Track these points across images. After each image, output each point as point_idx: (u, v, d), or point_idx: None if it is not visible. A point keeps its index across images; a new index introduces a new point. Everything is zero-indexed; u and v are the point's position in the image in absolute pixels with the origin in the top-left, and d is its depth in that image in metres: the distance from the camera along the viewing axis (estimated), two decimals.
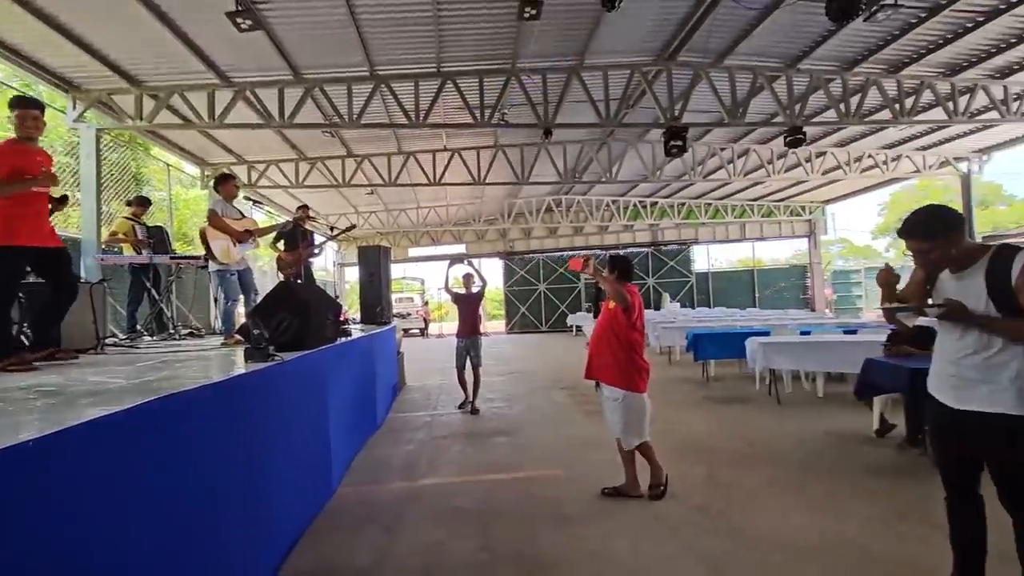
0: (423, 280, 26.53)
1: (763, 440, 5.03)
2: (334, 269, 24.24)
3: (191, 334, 6.17)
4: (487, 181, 12.70)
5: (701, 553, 2.89)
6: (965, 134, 12.22)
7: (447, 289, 6.99)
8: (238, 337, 4.57)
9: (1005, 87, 9.27)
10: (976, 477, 2.23)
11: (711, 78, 8.41)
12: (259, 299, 4.98)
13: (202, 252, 5.12)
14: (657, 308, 19.76)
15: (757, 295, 22.00)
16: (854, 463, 4.28)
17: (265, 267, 18.50)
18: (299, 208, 6.73)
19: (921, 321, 2.72)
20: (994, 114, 9.54)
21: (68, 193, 5.75)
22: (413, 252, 23.82)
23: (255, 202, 7.72)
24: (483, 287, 6.88)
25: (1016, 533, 2.10)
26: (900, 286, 2.42)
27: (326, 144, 11.20)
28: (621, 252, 21.54)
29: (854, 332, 7.64)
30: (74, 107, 7.59)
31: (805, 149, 13.02)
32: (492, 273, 23.75)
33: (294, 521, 3.17)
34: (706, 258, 23.01)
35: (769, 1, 6.79)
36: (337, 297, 8.67)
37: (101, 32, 6.44)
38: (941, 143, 13.14)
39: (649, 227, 21.71)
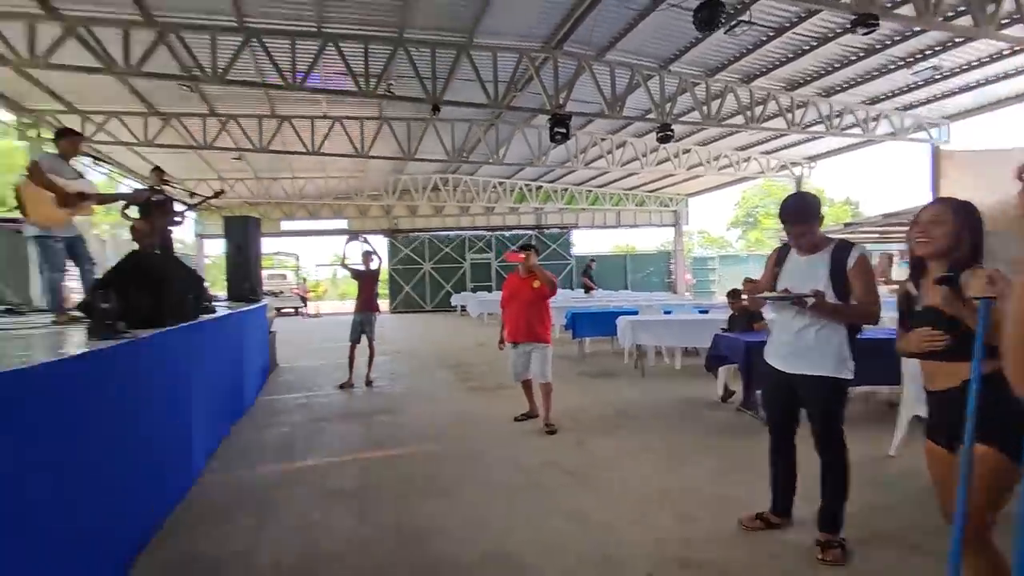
0: (297, 256, 24.83)
1: (627, 409, 5.53)
2: (193, 241, 21.84)
3: (9, 311, 5.25)
4: (371, 154, 12.21)
5: (569, 509, 3.14)
6: (799, 143, 14.14)
7: (344, 265, 7.32)
8: (73, 314, 4.00)
9: (830, 105, 10.88)
10: (794, 430, 2.75)
11: (594, 70, 8.83)
12: (96, 270, 4.41)
13: (18, 214, 4.36)
14: None
15: (629, 278, 23.77)
16: (701, 424, 4.89)
17: (104, 236, 16.14)
18: (152, 171, 5.91)
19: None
20: (821, 127, 11.18)
21: None
22: (287, 226, 22.23)
23: (96, 159, 6.67)
24: (379, 265, 7.15)
25: (822, 471, 2.61)
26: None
27: (183, 99, 9.99)
28: (508, 233, 21.94)
29: (706, 312, 8.60)
30: None
31: (673, 145, 14.22)
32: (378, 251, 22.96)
33: (148, 510, 2.89)
34: (585, 242, 24.35)
35: (647, 3, 7.27)
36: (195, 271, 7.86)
37: None
38: (780, 149, 15.09)
39: (534, 210, 22.37)
